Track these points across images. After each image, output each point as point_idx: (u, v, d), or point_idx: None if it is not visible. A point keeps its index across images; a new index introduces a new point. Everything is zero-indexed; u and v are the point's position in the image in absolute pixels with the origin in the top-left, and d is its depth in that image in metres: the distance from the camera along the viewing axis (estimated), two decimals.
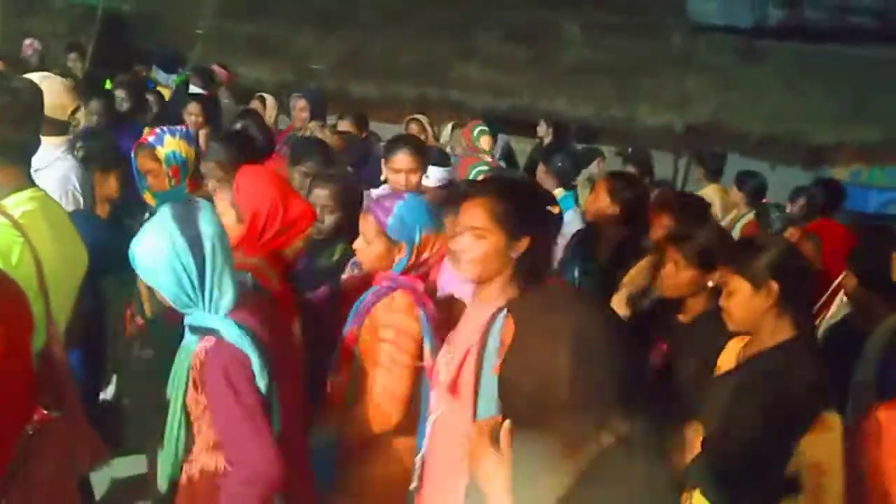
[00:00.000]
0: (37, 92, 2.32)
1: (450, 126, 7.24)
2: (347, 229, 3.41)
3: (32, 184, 2.33)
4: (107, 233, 3.60)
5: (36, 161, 3.28)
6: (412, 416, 2.56)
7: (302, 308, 2.92)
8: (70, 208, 3.44)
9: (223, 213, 2.69)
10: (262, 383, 2.13)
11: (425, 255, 2.70)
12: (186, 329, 2.24)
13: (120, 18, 12.13)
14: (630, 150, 7.82)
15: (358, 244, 2.77)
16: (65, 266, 2.31)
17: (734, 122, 9.92)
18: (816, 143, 9.72)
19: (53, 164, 3.46)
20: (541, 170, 5.08)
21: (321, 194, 3.45)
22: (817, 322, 4.07)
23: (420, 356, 2.59)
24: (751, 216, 6.16)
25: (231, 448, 2.14)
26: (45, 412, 2.09)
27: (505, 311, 2.13)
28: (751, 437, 2.36)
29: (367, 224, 2.73)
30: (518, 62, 10.59)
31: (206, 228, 2.17)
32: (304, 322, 2.82)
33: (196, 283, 2.16)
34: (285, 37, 11.19)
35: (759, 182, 6.31)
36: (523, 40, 10.72)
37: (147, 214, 3.92)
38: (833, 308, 4.14)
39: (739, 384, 2.48)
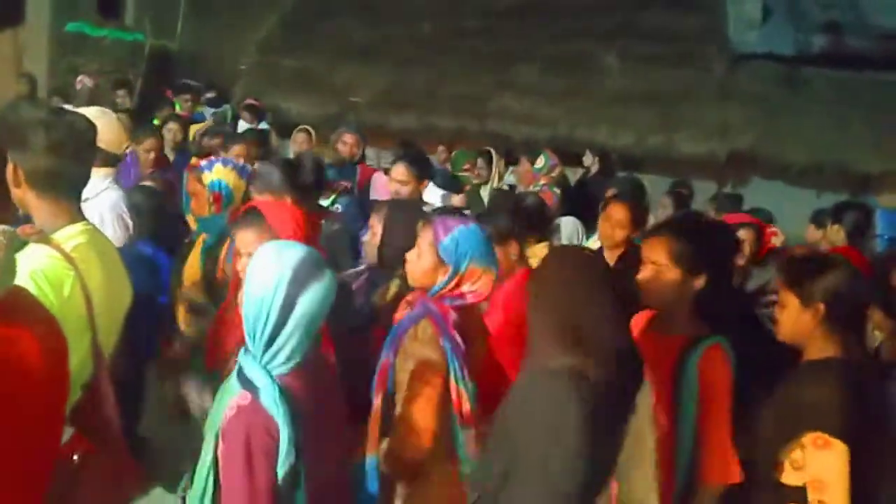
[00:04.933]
0: (91, 126, 2.36)
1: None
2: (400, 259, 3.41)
3: (83, 217, 2.37)
4: (149, 269, 3.67)
5: (85, 191, 3.40)
6: (445, 448, 2.54)
7: (350, 348, 2.88)
8: (122, 234, 3.53)
9: (252, 242, 2.71)
10: (286, 460, 1.99)
11: (465, 288, 2.64)
12: (236, 366, 2.14)
13: (166, 55, 12.41)
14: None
15: (410, 255, 2.73)
16: (112, 299, 2.33)
17: (777, 150, 9.81)
18: (861, 170, 9.57)
19: (102, 194, 3.58)
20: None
21: (372, 218, 3.46)
22: None
23: (444, 387, 2.52)
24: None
25: None
26: (91, 443, 2.12)
27: (702, 344, 2.50)
28: (758, 443, 2.52)
29: (424, 235, 2.69)
30: (557, 93, 10.60)
31: (304, 303, 2.05)
32: (352, 362, 2.78)
33: (269, 333, 2.06)
34: (326, 71, 11.33)
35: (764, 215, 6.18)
36: (562, 71, 10.74)
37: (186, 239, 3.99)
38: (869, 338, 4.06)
39: (771, 394, 2.58)
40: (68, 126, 2.25)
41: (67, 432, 2.10)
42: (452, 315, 2.61)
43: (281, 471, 1.99)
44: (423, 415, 2.50)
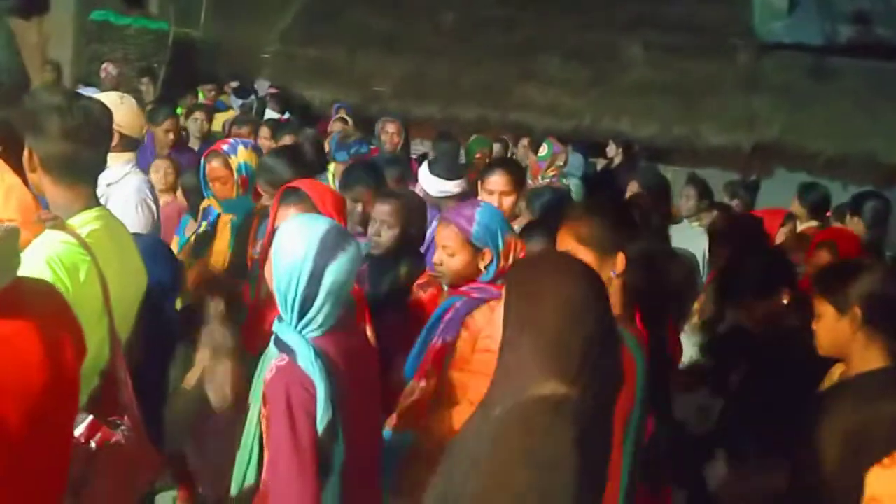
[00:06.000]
0: (107, 112, 2.36)
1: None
2: (407, 248, 3.41)
3: (98, 202, 2.37)
4: (173, 259, 3.68)
5: (108, 176, 3.42)
6: None
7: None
8: (146, 218, 3.56)
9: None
10: (324, 416, 2.06)
11: (511, 261, 2.68)
12: (273, 335, 2.22)
13: (190, 44, 12.44)
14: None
15: (438, 257, 2.75)
16: (127, 284, 2.34)
17: (803, 141, 9.69)
18: (889, 161, 9.43)
19: (125, 179, 3.62)
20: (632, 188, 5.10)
21: (382, 209, 3.43)
22: None
23: None
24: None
25: (272, 476, 2.10)
26: (108, 429, 2.12)
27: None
28: (823, 462, 2.33)
29: (449, 234, 2.71)
30: (579, 83, 10.53)
31: (331, 274, 2.13)
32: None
33: (299, 305, 2.14)
34: (348, 60, 11.33)
35: (820, 195, 6.08)
36: (584, 61, 10.67)
37: (203, 223, 4.02)
38: None
39: (820, 409, 2.43)
40: (83, 111, 2.25)
41: (85, 419, 2.11)
42: None
43: (320, 426, 2.06)
44: None
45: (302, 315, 2.15)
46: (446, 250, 2.72)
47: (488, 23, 11.37)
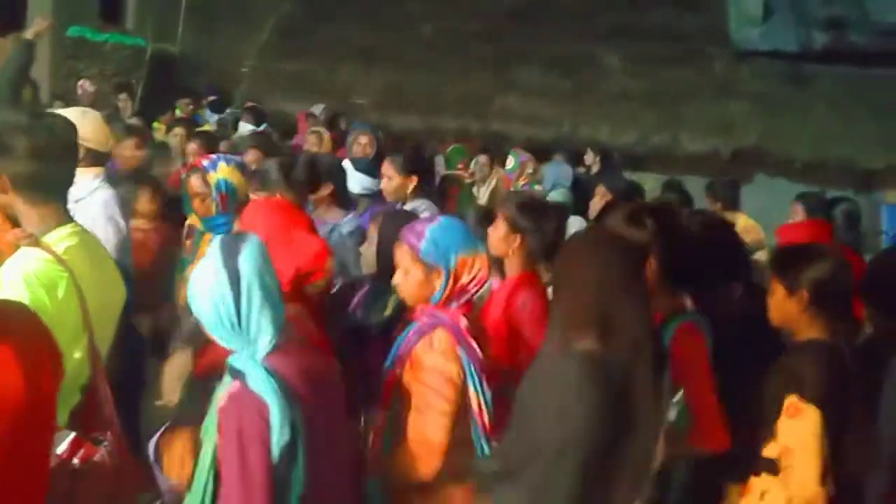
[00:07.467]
0: (71, 128, 2.35)
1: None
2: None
3: (71, 219, 2.35)
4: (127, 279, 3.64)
5: (77, 191, 3.38)
6: (464, 461, 2.42)
7: (353, 364, 2.83)
8: (114, 235, 3.50)
9: None
10: (280, 439, 1.98)
11: (464, 281, 2.52)
12: (226, 369, 2.13)
13: (168, 59, 12.40)
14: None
15: (396, 278, 2.60)
16: (105, 300, 2.32)
17: (780, 147, 9.78)
18: (865, 166, 9.53)
19: (94, 194, 3.55)
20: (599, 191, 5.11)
21: (371, 227, 3.41)
22: None
23: (459, 400, 2.42)
24: None
25: None
26: (91, 445, 2.11)
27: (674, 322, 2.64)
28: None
29: (400, 252, 2.57)
30: (559, 93, 10.59)
31: (244, 264, 2.06)
32: (353, 378, 2.73)
33: (234, 319, 2.05)
34: (328, 73, 11.34)
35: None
36: (563, 71, 10.74)
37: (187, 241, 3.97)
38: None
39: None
40: (47, 129, 2.24)
41: (67, 436, 2.09)
42: (464, 321, 2.50)
43: (276, 450, 1.98)
44: (436, 429, 2.39)
45: (240, 327, 2.07)
46: (402, 269, 2.56)
47: (468, 34, 11.43)
